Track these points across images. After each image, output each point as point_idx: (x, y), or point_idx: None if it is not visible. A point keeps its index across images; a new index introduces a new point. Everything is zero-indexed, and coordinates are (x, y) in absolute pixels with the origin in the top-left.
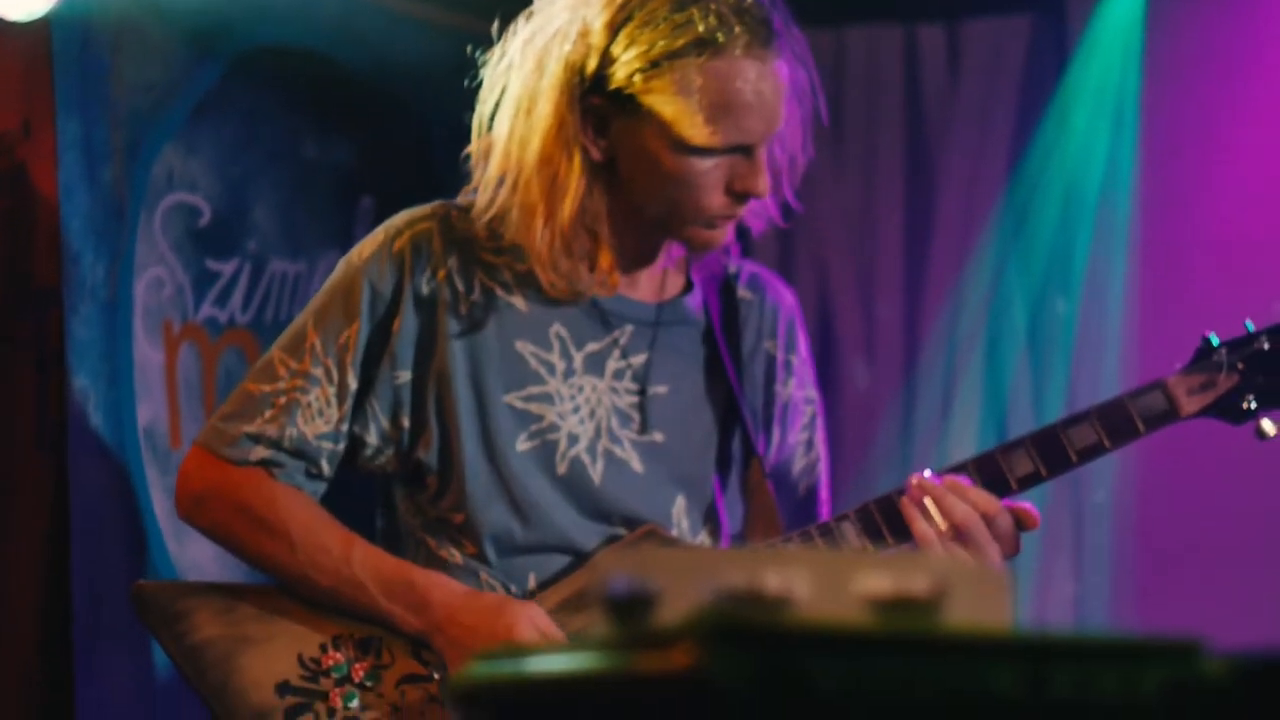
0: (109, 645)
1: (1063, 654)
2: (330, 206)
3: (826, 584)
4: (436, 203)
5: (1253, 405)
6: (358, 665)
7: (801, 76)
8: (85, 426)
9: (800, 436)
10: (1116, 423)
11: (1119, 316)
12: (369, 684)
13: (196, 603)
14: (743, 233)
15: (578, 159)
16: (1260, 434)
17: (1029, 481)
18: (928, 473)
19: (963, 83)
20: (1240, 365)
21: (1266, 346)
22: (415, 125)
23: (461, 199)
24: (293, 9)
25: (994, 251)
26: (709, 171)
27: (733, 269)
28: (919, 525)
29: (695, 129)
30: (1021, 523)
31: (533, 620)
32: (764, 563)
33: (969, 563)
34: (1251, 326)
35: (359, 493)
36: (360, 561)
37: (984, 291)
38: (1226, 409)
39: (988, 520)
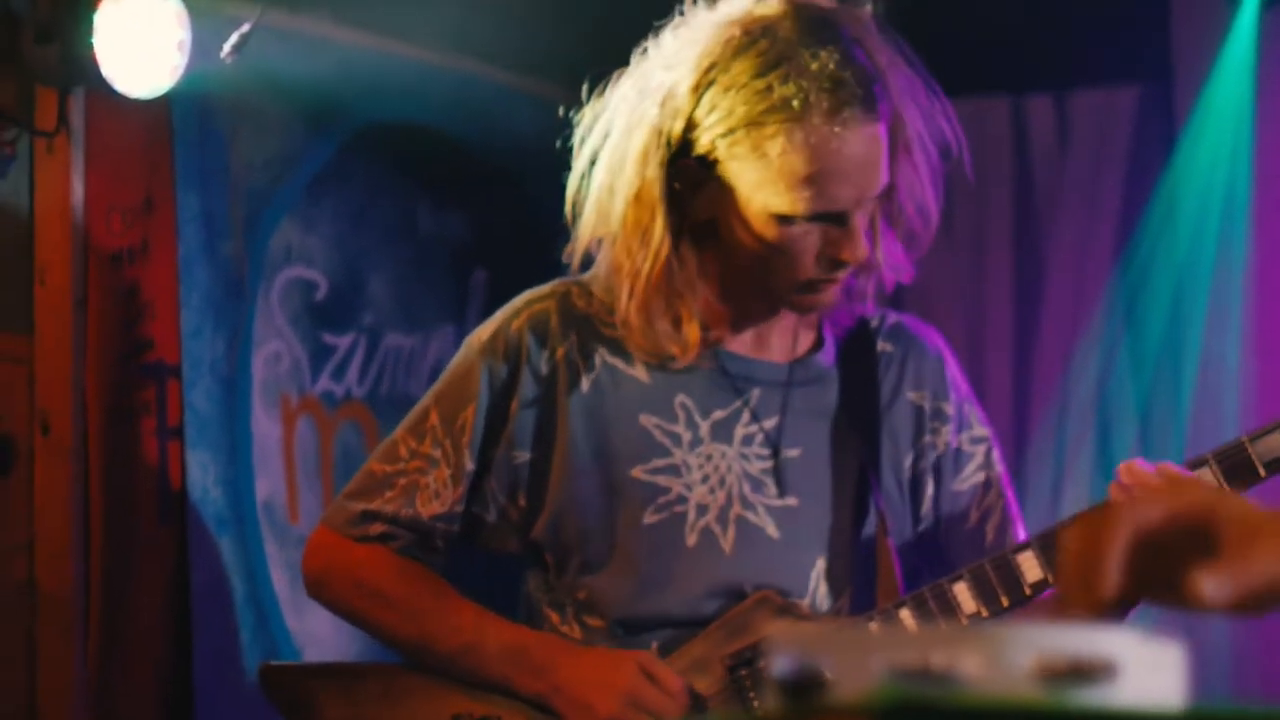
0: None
1: None
2: (444, 280)
3: (994, 659)
4: (557, 280)
5: None
6: None
7: (924, 128)
8: (205, 500)
9: (974, 479)
10: (1236, 466)
11: (1234, 398)
12: None
13: (320, 684)
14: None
15: (661, 221)
16: None
17: None
18: (1139, 461)
19: (1071, 152)
20: None
21: None
22: (528, 198)
23: (585, 276)
24: (407, 85)
25: (1106, 325)
26: (799, 239)
27: (874, 322)
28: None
29: (777, 197)
30: None
31: (642, 666)
32: (932, 640)
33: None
34: None
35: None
36: (476, 628)
37: (1096, 366)
38: None
39: None
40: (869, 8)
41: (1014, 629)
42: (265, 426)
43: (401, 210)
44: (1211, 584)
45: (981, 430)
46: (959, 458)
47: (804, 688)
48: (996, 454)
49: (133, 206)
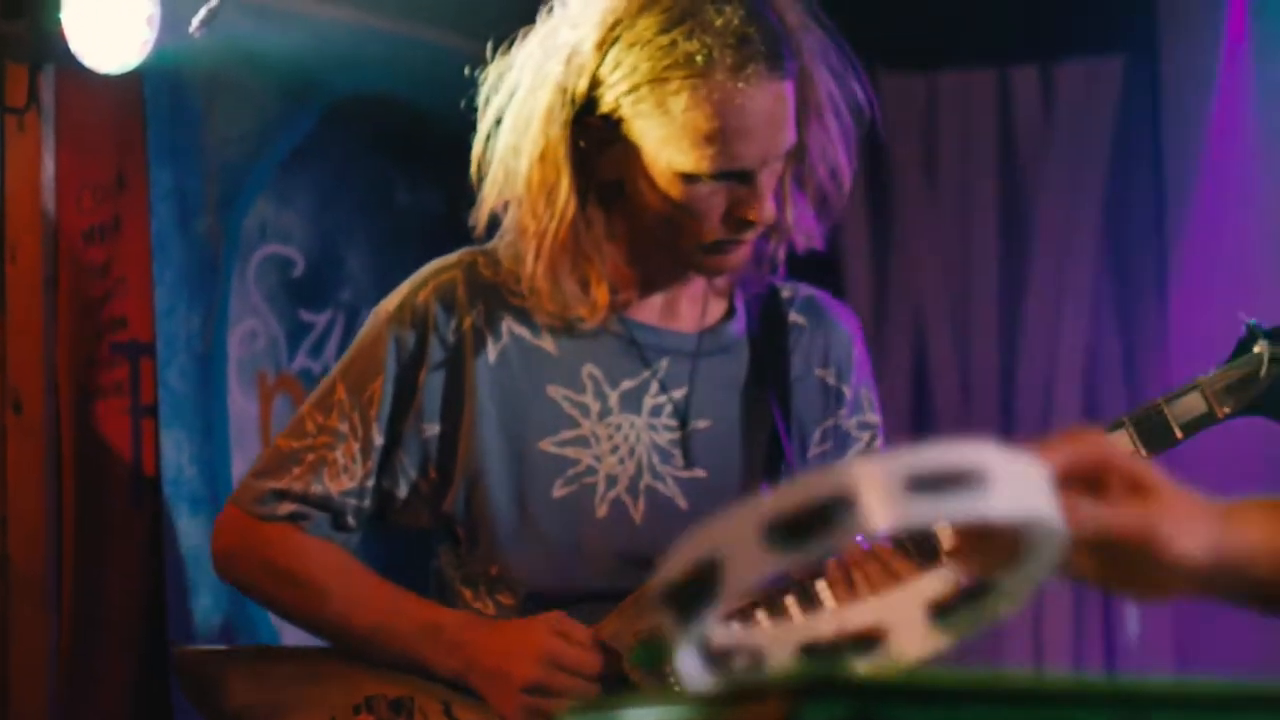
0: None
1: (1166, 703)
2: (423, 255)
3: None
4: (464, 250)
5: None
6: None
7: (836, 90)
8: (180, 479)
9: None
10: (1153, 429)
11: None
12: None
13: (233, 669)
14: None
15: (566, 181)
16: None
17: None
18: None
19: (1056, 123)
20: None
21: None
22: None
23: (492, 245)
24: (382, 58)
25: (1093, 297)
26: (705, 198)
27: (786, 292)
28: (839, 593)
29: (682, 155)
30: None
31: (554, 625)
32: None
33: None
34: None
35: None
36: (391, 607)
37: (1084, 339)
38: (1268, 406)
39: None
40: None
41: (890, 454)
42: (242, 405)
43: (378, 185)
44: (1085, 511)
45: (873, 417)
46: (845, 441)
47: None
48: (879, 444)
49: (104, 184)
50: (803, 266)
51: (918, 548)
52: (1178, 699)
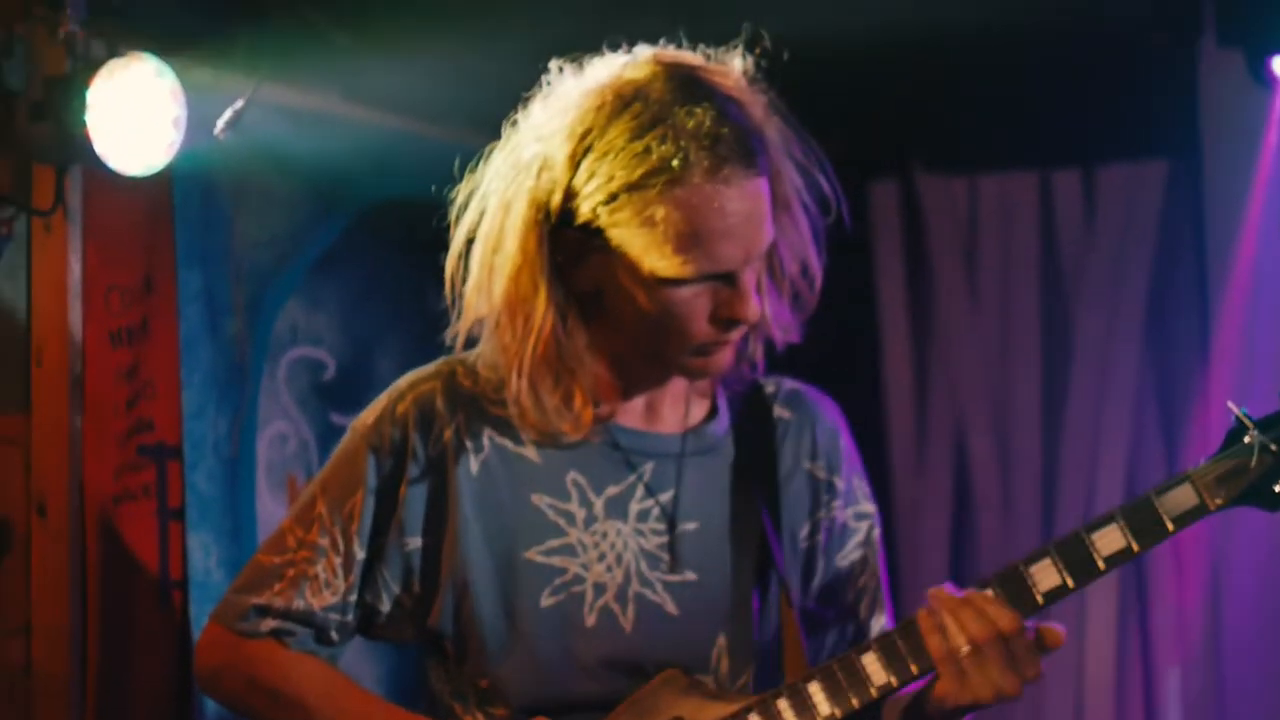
0: None
1: None
2: None
3: None
4: (442, 360)
5: None
6: None
7: (801, 183)
8: (207, 583)
9: (853, 556)
10: (1144, 522)
11: None
12: None
13: None
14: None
15: (544, 296)
16: None
17: (1055, 596)
18: (949, 586)
19: (1099, 226)
20: (1273, 447)
21: None
22: None
23: (470, 354)
24: (414, 162)
25: (1136, 402)
26: (689, 301)
27: (770, 388)
28: (934, 641)
29: (664, 261)
30: (1044, 643)
31: None
32: None
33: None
34: None
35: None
36: None
37: (1127, 445)
38: (1258, 496)
39: (1005, 639)
40: (738, 64)
41: None
42: (270, 508)
43: (410, 288)
44: None
45: (867, 507)
46: (843, 532)
47: None
48: (877, 534)
49: (132, 285)
50: (841, 367)
51: (1013, 594)
52: None
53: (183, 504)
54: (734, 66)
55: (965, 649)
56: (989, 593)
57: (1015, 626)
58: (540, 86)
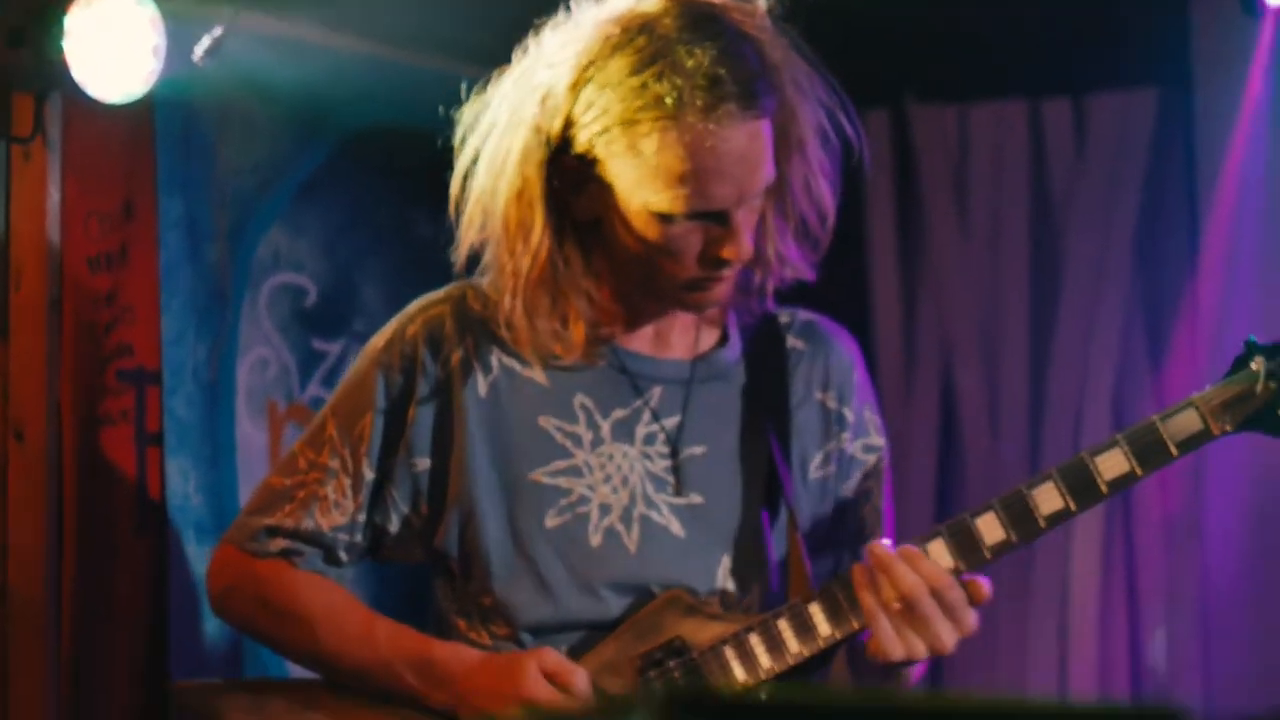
0: None
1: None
2: (440, 285)
3: None
4: (453, 284)
5: None
6: None
7: (821, 123)
8: (185, 507)
9: (859, 486)
10: (1148, 447)
11: None
12: None
13: (230, 702)
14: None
15: (541, 220)
16: None
17: (1057, 519)
18: (887, 541)
19: (1089, 154)
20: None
21: None
22: None
23: (482, 279)
24: (396, 90)
25: (1124, 328)
26: (681, 237)
27: (784, 318)
28: (865, 598)
29: (655, 195)
30: (972, 597)
31: (540, 666)
32: None
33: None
34: None
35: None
36: (384, 641)
37: (1113, 372)
38: (1263, 421)
39: (936, 594)
40: (763, 2)
41: None
42: (250, 433)
43: (395, 216)
44: None
45: (877, 440)
46: (851, 464)
47: None
48: (885, 466)
49: (111, 212)
50: (832, 297)
51: (959, 547)
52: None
53: (161, 429)
54: (759, 4)
55: (896, 605)
56: (926, 547)
57: (946, 581)
58: (559, 12)
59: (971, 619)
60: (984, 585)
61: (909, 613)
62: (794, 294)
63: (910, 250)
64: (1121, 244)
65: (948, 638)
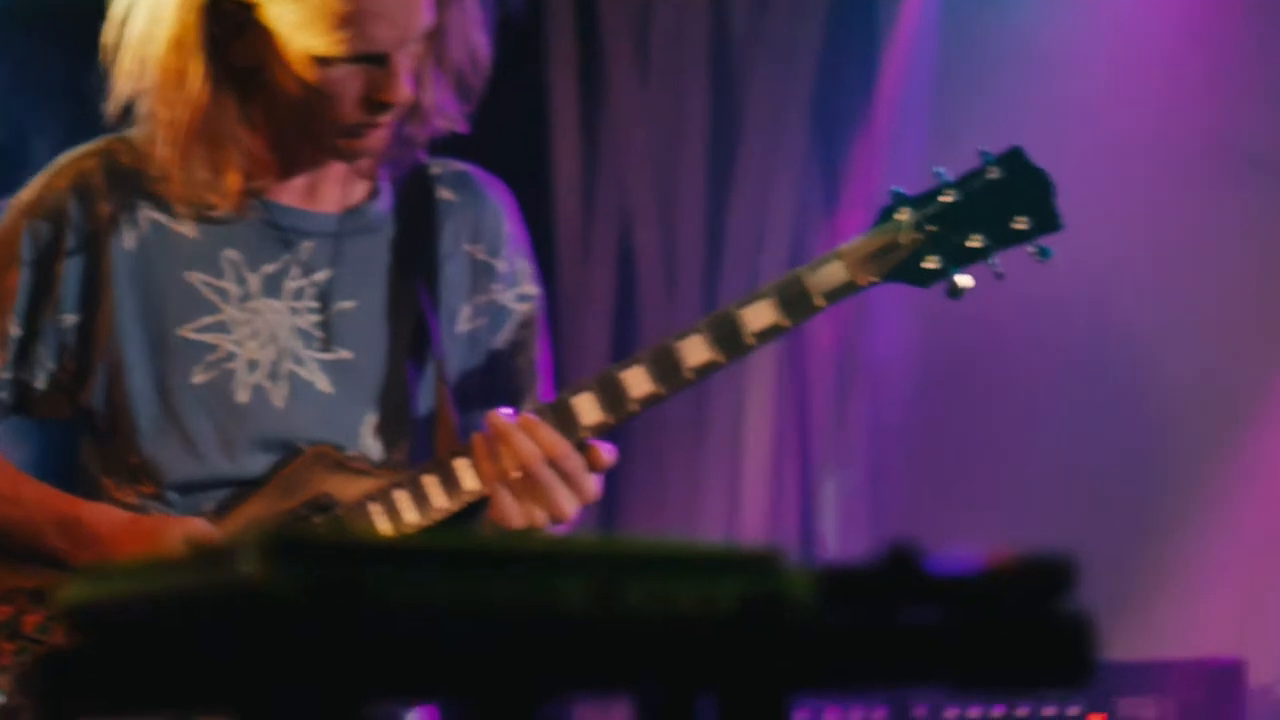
0: None
1: (636, 566)
2: None
3: None
4: (103, 138)
5: (938, 265)
6: (28, 617)
7: None
8: None
9: (512, 337)
10: (794, 298)
11: None
12: (40, 637)
13: None
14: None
15: (198, 67)
16: (953, 292)
17: (705, 371)
18: (508, 410)
19: (770, 4)
20: (924, 223)
21: (952, 199)
22: None
23: (132, 132)
24: None
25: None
26: (341, 81)
27: (436, 169)
28: (484, 467)
29: (316, 38)
30: (592, 464)
31: (186, 535)
32: None
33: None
34: (943, 174)
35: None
36: (30, 500)
37: (786, 220)
38: (907, 272)
39: (554, 462)
40: None
41: None
42: None
43: (62, 74)
44: None
45: (530, 289)
46: (503, 314)
47: None
48: (540, 316)
49: None
50: (511, 155)
51: (607, 400)
52: (653, 563)
53: None
54: None
55: (515, 474)
56: (574, 400)
57: (563, 450)
58: None
59: (592, 486)
60: (604, 451)
61: (527, 481)
62: (472, 147)
63: (590, 106)
64: (799, 94)
65: (567, 505)
